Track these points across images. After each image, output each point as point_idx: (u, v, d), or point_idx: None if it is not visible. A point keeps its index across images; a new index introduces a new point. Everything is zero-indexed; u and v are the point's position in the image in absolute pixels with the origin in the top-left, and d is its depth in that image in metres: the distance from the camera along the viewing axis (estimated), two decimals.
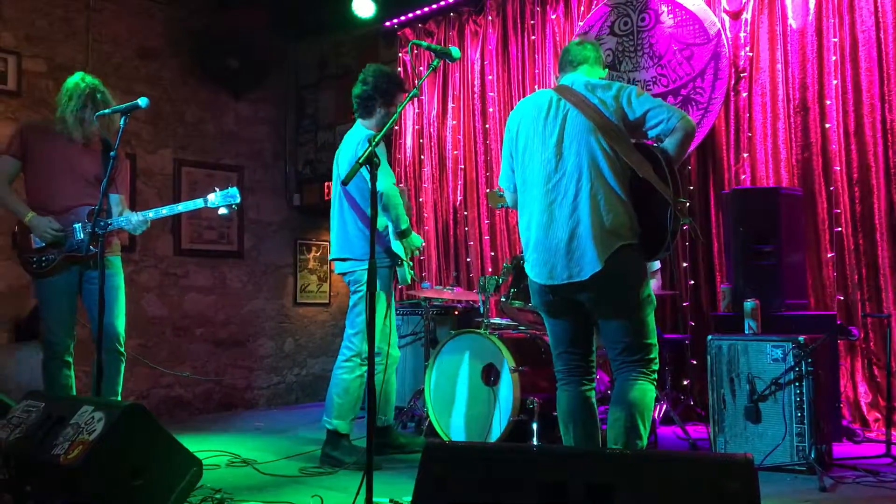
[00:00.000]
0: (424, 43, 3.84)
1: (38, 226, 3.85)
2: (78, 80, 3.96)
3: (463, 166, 6.27)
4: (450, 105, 6.38)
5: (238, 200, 3.75)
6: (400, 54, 6.66)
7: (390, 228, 4.00)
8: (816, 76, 4.68)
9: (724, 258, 4.87)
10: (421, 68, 6.49)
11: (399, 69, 6.46)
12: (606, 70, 3.27)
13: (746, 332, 3.92)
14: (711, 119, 5.03)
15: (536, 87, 5.72)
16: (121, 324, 3.95)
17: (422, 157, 6.54)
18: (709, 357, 3.80)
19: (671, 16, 5.22)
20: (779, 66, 4.82)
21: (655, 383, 2.90)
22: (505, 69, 6.04)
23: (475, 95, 6.20)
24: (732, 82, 4.99)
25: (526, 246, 2.99)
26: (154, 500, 2.72)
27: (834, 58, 4.60)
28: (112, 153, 3.46)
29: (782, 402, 3.57)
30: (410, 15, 6.52)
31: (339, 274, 4.17)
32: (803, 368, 3.53)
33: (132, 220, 3.83)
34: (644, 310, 2.87)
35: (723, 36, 5.00)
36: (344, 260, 4.07)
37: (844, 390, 4.45)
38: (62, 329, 3.91)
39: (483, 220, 6.10)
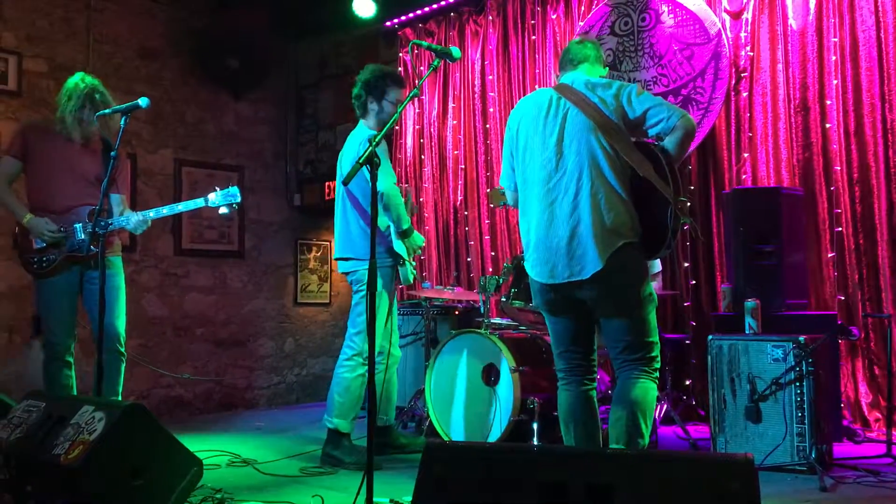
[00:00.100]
0: (425, 43, 3.84)
1: (35, 227, 3.85)
2: (78, 80, 3.96)
3: (463, 166, 6.27)
4: (450, 105, 6.37)
5: (239, 200, 3.75)
6: (400, 54, 6.66)
7: (392, 228, 4.00)
8: (817, 76, 4.68)
9: (724, 258, 4.87)
10: (421, 68, 6.49)
11: (399, 69, 6.46)
12: (607, 69, 3.28)
13: (747, 331, 3.92)
14: (712, 119, 5.03)
15: (537, 87, 5.72)
16: (121, 324, 3.95)
17: (422, 156, 6.54)
18: (709, 357, 3.79)
19: (672, 16, 5.22)
20: (779, 65, 4.82)
21: (657, 381, 2.90)
22: (505, 69, 6.03)
23: (476, 95, 6.20)
24: (733, 82, 4.99)
25: (526, 245, 3.00)
26: (154, 499, 2.72)
27: (834, 57, 4.60)
28: (113, 153, 3.46)
29: (783, 402, 3.57)
30: (411, 15, 6.52)
31: (342, 273, 4.17)
32: (804, 368, 3.53)
33: (132, 219, 3.83)
34: (645, 308, 2.87)
35: (723, 36, 5.00)
36: (346, 259, 4.08)
37: (845, 390, 4.45)
38: (63, 329, 3.92)
39: (483, 220, 6.10)
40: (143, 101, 3.44)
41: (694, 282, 5.11)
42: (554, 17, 5.77)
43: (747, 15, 4.96)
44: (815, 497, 3.18)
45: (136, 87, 6.03)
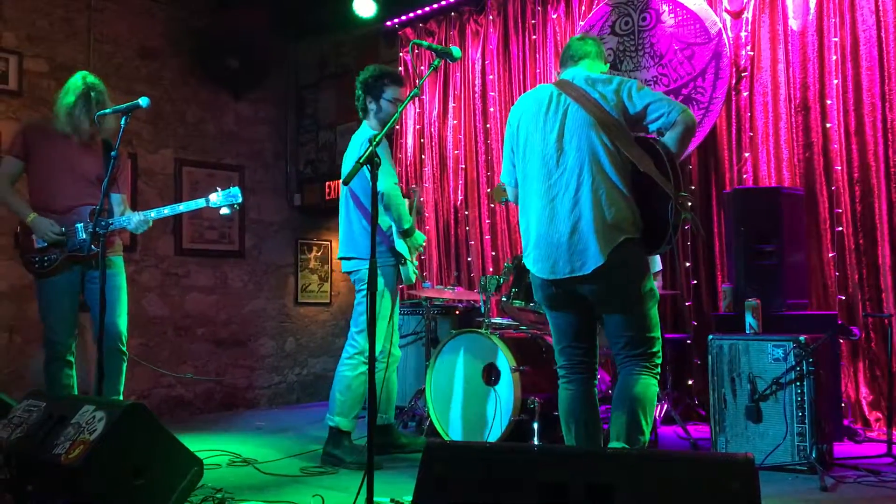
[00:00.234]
0: (425, 42, 3.85)
1: (39, 227, 3.85)
2: (78, 78, 3.96)
3: (464, 166, 6.27)
4: (451, 105, 6.37)
5: (240, 200, 3.76)
6: (401, 54, 6.66)
7: (394, 228, 4.01)
8: (817, 75, 4.68)
9: (725, 258, 4.87)
10: (422, 68, 6.49)
11: (400, 69, 6.46)
12: (608, 65, 3.27)
13: (748, 331, 3.91)
14: (712, 118, 5.03)
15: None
16: (123, 323, 3.95)
17: (423, 156, 6.54)
18: (710, 357, 3.79)
19: (672, 15, 5.22)
20: (780, 65, 4.82)
21: (658, 377, 2.89)
22: (506, 69, 6.03)
23: (476, 95, 6.20)
24: (733, 82, 4.99)
25: (527, 241, 2.99)
26: (155, 499, 2.72)
27: (835, 57, 4.60)
28: (113, 153, 3.47)
29: (783, 402, 3.57)
30: (411, 14, 6.51)
31: (345, 273, 4.18)
32: (804, 368, 3.52)
33: (133, 219, 3.83)
34: (647, 303, 2.87)
35: (724, 35, 5.00)
36: (349, 259, 4.08)
37: (846, 390, 4.45)
38: (64, 329, 3.91)
39: (484, 220, 6.10)
40: (143, 101, 3.44)
41: (695, 281, 5.11)
42: (554, 16, 5.77)
43: (748, 14, 4.96)
44: (816, 497, 3.17)
45: (136, 87, 6.04)
